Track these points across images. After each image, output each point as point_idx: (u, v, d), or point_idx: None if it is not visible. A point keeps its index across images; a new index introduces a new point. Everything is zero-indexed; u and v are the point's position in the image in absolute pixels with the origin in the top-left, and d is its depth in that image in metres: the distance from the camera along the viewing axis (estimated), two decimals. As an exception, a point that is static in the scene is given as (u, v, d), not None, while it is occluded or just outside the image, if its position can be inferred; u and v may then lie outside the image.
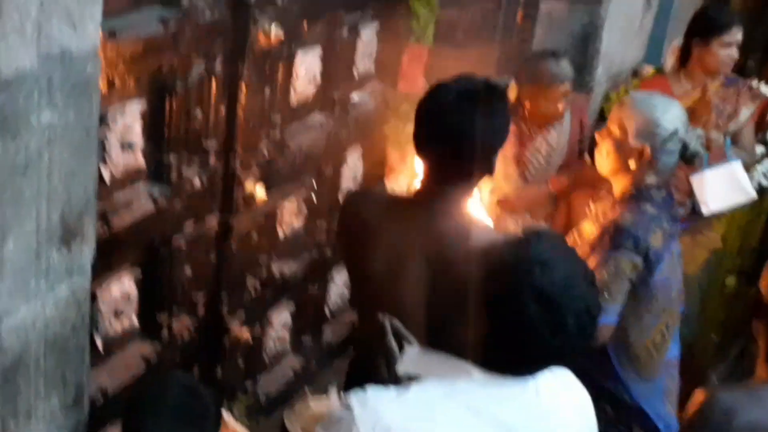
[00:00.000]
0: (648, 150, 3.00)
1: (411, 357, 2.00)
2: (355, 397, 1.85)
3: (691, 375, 3.66)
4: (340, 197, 3.88)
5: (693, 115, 4.16)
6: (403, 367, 1.99)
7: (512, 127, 3.86)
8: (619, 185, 3.10)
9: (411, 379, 1.95)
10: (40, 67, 1.86)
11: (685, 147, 3.04)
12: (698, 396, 2.30)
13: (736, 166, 4.21)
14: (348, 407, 1.84)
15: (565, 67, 3.89)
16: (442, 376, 1.90)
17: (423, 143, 2.44)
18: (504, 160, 3.72)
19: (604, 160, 3.13)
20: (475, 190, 2.58)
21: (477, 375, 1.87)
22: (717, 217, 4.39)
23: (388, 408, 1.83)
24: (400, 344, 2.09)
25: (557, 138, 4.02)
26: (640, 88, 4.59)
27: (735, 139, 4.37)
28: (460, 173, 2.41)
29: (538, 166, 4.02)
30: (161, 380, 2.52)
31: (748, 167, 4.45)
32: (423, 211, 2.43)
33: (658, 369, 3.13)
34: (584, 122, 4.23)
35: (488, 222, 2.74)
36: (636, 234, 2.95)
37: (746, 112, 4.39)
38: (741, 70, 4.51)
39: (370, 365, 2.07)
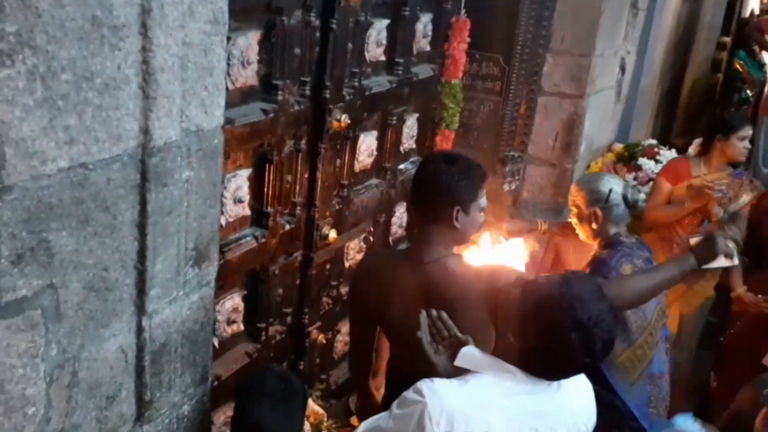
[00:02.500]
0: (598, 211, 2.99)
1: (468, 355, 1.96)
2: (425, 386, 1.84)
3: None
4: (391, 239, 3.94)
5: (699, 189, 4.14)
6: (461, 361, 1.95)
7: None
8: (595, 244, 3.06)
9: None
10: (181, 139, 1.95)
11: (625, 198, 3.00)
12: None
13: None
14: (420, 393, 1.83)
15: None
16: (493, 374, 1.90)
17: (410, 192, 2.46)
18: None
19: (579, 231, 3.12)
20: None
21: (520, 376, 1.88)
22: (711, 271, 4.30)
23: (452, 396, 1.83)
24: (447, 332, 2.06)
25: None
26: (667, 166, 4.53)
27: (733, 218, 4.32)
28: (428, 218, 2.36)
29: None
30: (262, 370, 2.56)
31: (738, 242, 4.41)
32: (414, 252, 2.41)
33: (640, 377, 3.02)
34: None
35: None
36: (609, 263, 2.89)
37: (745, 198, 4.32)
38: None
39: (402, 385, 1.99)
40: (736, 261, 4.15)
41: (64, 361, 1.78)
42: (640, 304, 2.81)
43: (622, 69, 5.16)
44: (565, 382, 1.94)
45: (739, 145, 4.24)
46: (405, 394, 1.88)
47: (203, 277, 2.17)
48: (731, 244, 2.61)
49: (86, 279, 1.79)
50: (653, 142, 5.04)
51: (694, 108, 6.96)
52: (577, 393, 2.01)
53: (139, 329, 1.97)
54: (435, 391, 1.83)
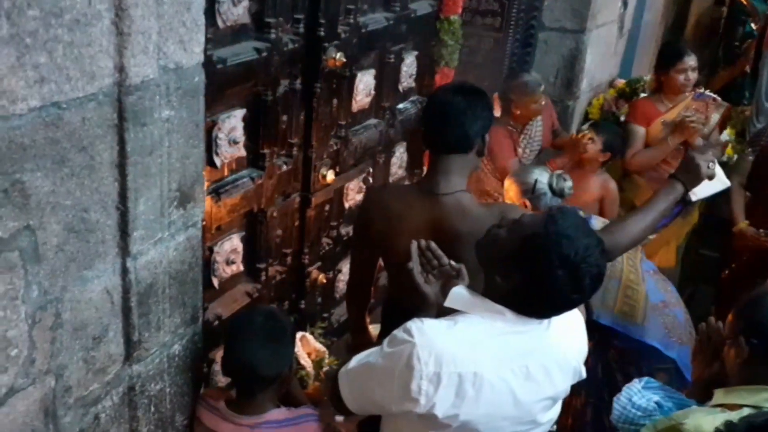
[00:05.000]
0: (527, 201, 3.10)
1: (458, 295, 1.89)
2: (415, 326, 1.79)
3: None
4: (390, 179, 3.86)
5: (683, 126, 4.07)
6: (450, 302, 1.89)
7: (504, 129, 3.93)
8: None
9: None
10: (159, 76, 1.85)
11: (550, 186, 3.10)
12: None
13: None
14: (410, 333, 1.78)
15: (537, 78, 3.95)
16: (482, 314, 1.84)
17: (424, 122, 2.42)
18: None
19: None
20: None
21: (510, 316, 1.82)
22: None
23: (440, 338, 1.78)
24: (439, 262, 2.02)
25: (535, 129, 4.04)
26: (632, 109, 4.48)
27: (706, 139, 4.26)
28: (454, 148, 2.33)
29: (527, 150, 4.02)
30: (250, 309, 2.55)
31: (721, 161, 4.37)
32: (428, 184, 2.37)
33: (646, 313, 2.97)
34: (553, 116, 4.24)
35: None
36: None
37: (715, 117, 4.28)
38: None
39: (398, 320, 1.95)
40: (727, 182, 4.12)
41: (46, 303, 1.72)
42: (641, 241, 2.74)
43: (625, 3, 4.99)
44: (555, 318, 1.88)
45: (679, 77, 4.18)
46: (395, 332, 1.84)
47: (189, 218, 2.10)
48: (711, 163, 2.53)
49: (65, 220, 1.72)
50: (656, 77, 4.91)
51: (698, 42, 6.77)
52: (567, 328, 1.95)
53: (124, 270, 1.91)
54: (424, 332, 1.78)
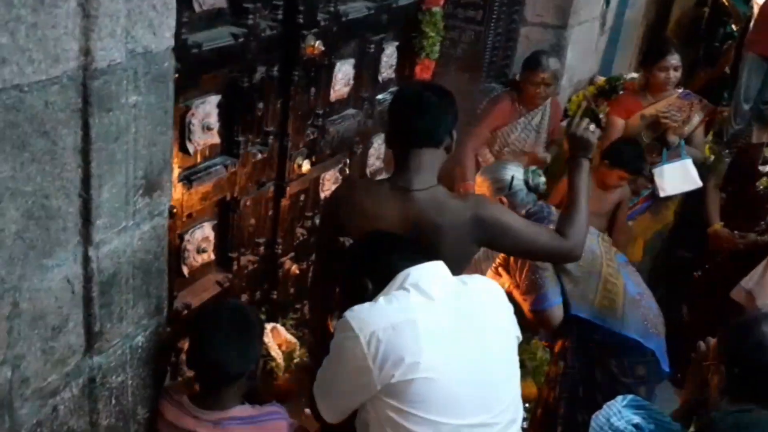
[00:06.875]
0: (504, 198, 3.00)
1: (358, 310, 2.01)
2: (348, 312, 1.95)
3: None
4: (367, 170, 3.82)
5: (656, 121, 4.11)
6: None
7: (511, 98, 3.99)
8: None
9: None
10: (127, 61, 1.79)
11: (526, 182, 3.02)
12: None
13: (687, 162, 4.19)
14: (342, 316, 1.95)
15: (552, 62, 3.97)
16: (397, 289, 1.99)
17: (393, 117, 2.43)
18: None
19: None
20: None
21: (412, 291, 1.95)
22: (672, 198, 4.32)
23: (368, 308, 1.95)
24: None
25: (539, 119, 4.06)
26: (615, 102, 4.50)
27: (689, 139, 4.27)
28: (427, 143, 2.31)
29: (519, 136, 4.01)
30: (218, 303, 2.51)
31: (699, 161, 4.37)
32: (400, 181, 2.33)
33: (625, 306, 2.95)
34: (558, 114, 4.27)
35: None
36: None
37: (697, 118, 4.31)
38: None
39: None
40: (699, 182, 4.15)
41: (3, 292, 1.66)
42: (588, 222, 2.73)
43: (607, 0, 4.98)
44: (470, 281, 2.07)
45: (661, 75, 4.20)
46: (339, 320, 2.00)
47: (155, 206, 2.04)
48: (591, 126, 2.52)
49: (25, 207, 1.65)
50: (635, 75, 4.90)
51: (679, 42, 6.78)
52: (483, 289, 2.10)
53: (86, 259, 1.85)
54: (353, 309, 1.95)
